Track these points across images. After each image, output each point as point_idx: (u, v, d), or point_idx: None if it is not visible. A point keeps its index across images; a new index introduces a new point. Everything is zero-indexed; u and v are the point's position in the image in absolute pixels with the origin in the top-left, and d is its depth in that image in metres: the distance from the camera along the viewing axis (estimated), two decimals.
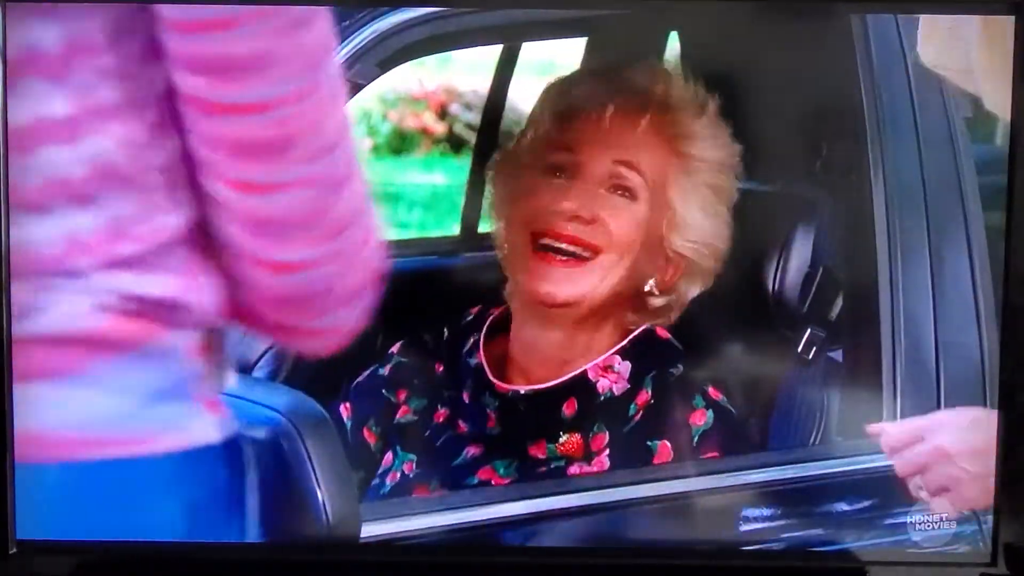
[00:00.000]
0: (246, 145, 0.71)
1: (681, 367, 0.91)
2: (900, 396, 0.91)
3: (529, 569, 0.89)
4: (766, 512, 0.90)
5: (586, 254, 0.89)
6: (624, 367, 0.91)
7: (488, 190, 0.93)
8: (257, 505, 0.81)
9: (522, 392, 0.92)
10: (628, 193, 0.89)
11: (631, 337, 0.92)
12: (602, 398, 0.91)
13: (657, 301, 0.91)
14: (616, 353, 0.92)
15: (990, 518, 0.89)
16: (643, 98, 0.88)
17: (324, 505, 0.84)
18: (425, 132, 0.93)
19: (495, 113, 0.93)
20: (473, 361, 0.93)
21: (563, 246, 0.89)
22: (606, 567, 0.90)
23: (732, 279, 0.91)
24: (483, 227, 0.95)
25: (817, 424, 0.92)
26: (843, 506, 0.90)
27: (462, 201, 0.95)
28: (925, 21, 0.86)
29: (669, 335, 0.92)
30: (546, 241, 0.89)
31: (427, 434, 0.93)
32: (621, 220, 0.89)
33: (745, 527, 0.90)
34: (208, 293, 0.75)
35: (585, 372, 0.91)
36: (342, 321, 0.79)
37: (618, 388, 0.91)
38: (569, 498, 0.89)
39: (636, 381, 0.91)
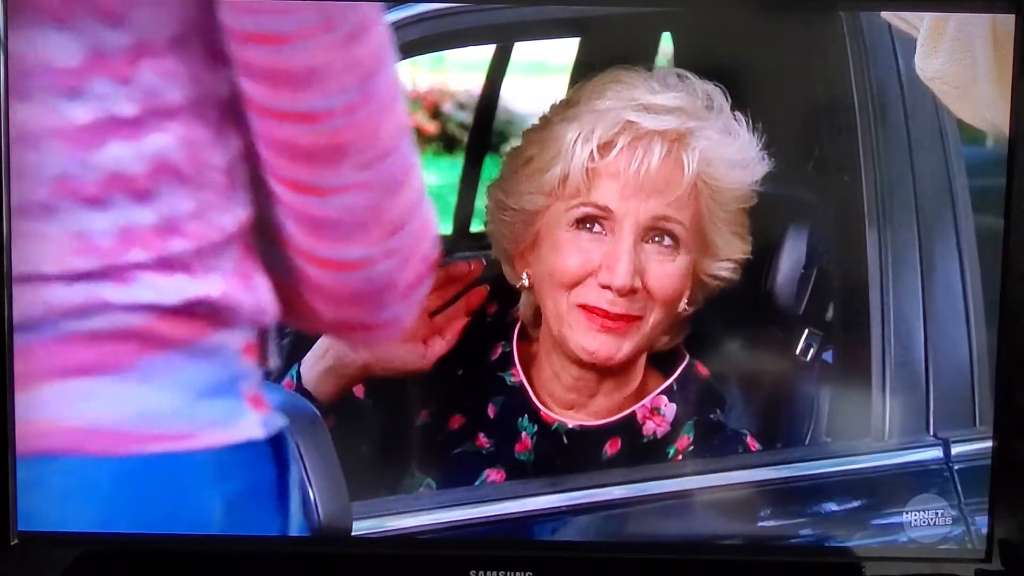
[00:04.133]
0: (299, 150, 0.73)
1: (720, 412, 0.92)
2: (890, 396, 0.91)
3: (525, 562, 0.89)
4: (762, 510, 0.91)
5: (634, 317, 0.87)
6: (670, 410, 0.91)
7: (490, 216, 0.91)
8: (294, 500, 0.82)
9: (570, 426, 0.91)
10: (672, 241, 0.87)
11: (676, 376, 0.92)
12: (645, 440, 0.91)
13: (684, 314, 0.90)
14: (663, 393, 0.92)
15: (978, 519, 0.89)
16: (676, 136, 0.85)
17: (315, 504, 0.85)
18: (418, 131, 0.92)
19: (488, 113, 0.93)
20: (510, 379, 0.92)
21: (611, 323, 0.87)
22: (601, 561, 0.90)
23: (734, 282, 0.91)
24: (476, 226, 0.95)
25: (809, 425, 0.93)
26: (834, 506, 0.91)
27: (455, 200, 0.95)
28: (929, 35, 0.86)
29: (707, 371, 0.92)
30: (594, 315, 0.87)
31: (441, 440, 0.92)
32: (669, 280, 0.87)
33: (743, 524, 0.91)
34: (261, 293, 0.76)
35: (634, 413, 0.91)
36: (401, 314, 0.80)
37: (661, 431, 0.91)
38: (565, 496, 0.90)
39: (678, 424, 0.91)
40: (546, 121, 0.88)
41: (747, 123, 0.87)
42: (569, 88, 0.89)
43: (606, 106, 0.86)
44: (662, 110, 0.85)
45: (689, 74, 0.87)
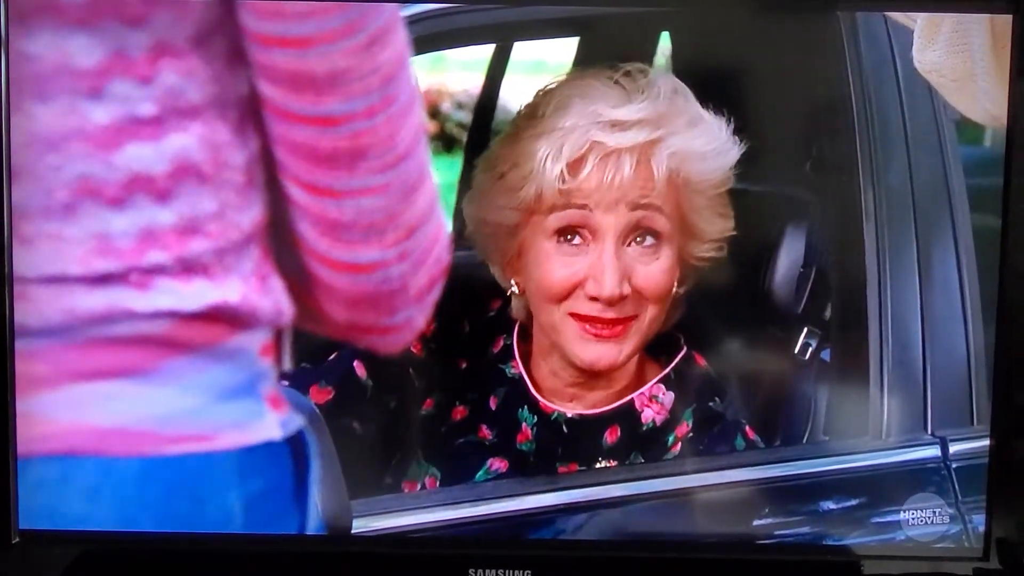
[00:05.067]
0: (318, 153, 0.73)
1: (719, 400, 0.92)
2: (887, 395, 0.92)
3: (524, 561, 0.89)
4: (760, 509, 0.91)
5: (629, 318, 0.88)
6: (668, 398, 0.92)
7: (471, 228, 0.91)
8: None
9: (569, 415, 0.92)
10: (654, 240, 0.87)
11: (674, 364, 0.92)
12: (644, 428, 0.91)
13: (678, 295, 0.90)
14: (660, 382, 0.92)
15: (976, 517, 0.90)
16: (644, 147, 0.85)
17: (315, 503, 0.84)
18: None
19: (487, 112, 0.94)
20: (511, 371, 0.93)
21: (606, 330, 0.88)
22: (600, 560, 0.90)
23: (727, 280, 0.92)
24: None
25: (807, 423, 0.93)
26: (832, 504, 0.91)
27: (453, 200, 0.95)
28: (926, 26, 0.86)
29: (704, 362, 0.92)
30: (588, 325, 0.88)
31: (444, 431, 0.93)
32: (657, 278, 0.87)
33: (741, 522, 0.91)
34: (278, 295, 0.76)
35: (632, 401, 0.92)
36: (413, 317, 0.80)
37: (660, 419, 0.92)
38: (564, 494, 0.90)
39: (676, 412, 0.92)
40: (515, 135, 0.88)
41: (711, 109, 0.87)
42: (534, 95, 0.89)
43: (571, 123, 0.85)
44: (627, 125, 0.85)
45: (647, 68, 0.87)
